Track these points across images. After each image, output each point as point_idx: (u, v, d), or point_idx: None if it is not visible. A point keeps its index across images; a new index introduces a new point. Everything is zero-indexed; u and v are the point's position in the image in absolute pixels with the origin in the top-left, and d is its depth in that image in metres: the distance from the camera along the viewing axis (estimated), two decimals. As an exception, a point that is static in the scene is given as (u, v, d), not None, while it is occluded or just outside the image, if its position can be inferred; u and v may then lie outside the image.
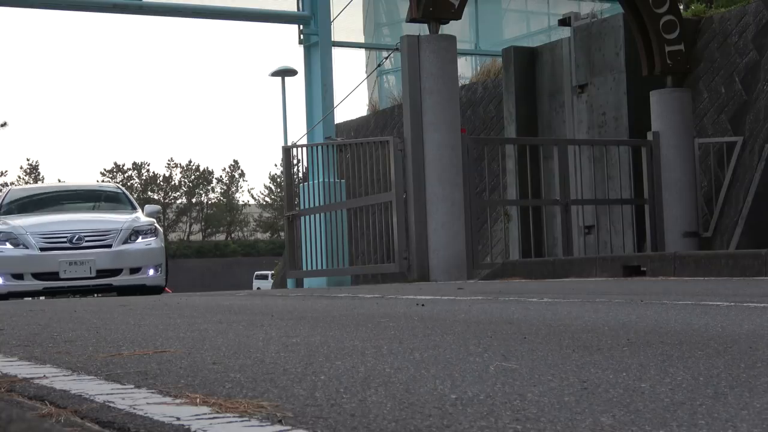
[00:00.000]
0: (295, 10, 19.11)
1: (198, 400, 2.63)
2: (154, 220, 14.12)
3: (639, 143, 15.95)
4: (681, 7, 17.26)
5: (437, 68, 13.78)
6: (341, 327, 4.72)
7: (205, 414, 2.44)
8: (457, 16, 14.10)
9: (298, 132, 45.55)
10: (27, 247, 12.91)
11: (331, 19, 19.18)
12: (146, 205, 14.75)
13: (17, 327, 5.44)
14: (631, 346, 3.53)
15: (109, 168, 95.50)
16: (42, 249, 12.92)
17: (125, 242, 13.13)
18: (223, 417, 2.39)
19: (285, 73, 28.81)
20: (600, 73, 17.15)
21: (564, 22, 18.31)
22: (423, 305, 6.09)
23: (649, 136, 15.72)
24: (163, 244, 13.74)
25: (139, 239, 13.27)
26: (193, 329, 4.86)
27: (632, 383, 2.71)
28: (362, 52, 27.80)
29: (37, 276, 12.89)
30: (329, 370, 3.14)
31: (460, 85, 18.42)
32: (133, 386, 2.94)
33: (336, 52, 19.47)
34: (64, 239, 12.99)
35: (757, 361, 3.09)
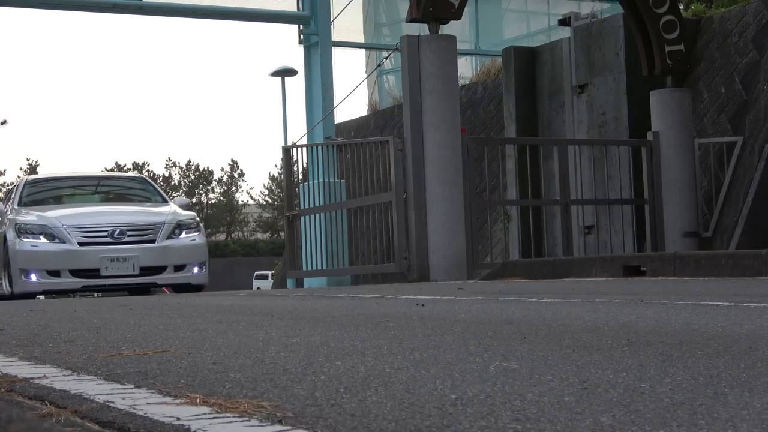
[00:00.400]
0: (295, 10, 19.11)
1: (198, 400, 2.63)
2: (195, 214, 13.42)
3: (639, 143, 15.95)
4: (681, 7, 17.26)
5: (437, 68, 13.78)
6: (341, 327, 4.72)
7: (205, 414, 2.44)
8: (457, 16, 14.10)
9: (298, 132, 45.57)
10: (64, 242, 12.02)
11: (331, 19, 19.18)
12: (175, 198, 13.87)
13: (17, 327, 5.44)
14: (631, 346, 3.53)
15: (109, 168, 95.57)
16: (81, 244, 12.04)
17: (169, 237, 12.34)
18: (223, 417, 2.39)
19: (285, 73, 28.82)
20: (600, 73, 17.15)
21: (564, 22, 18.31)
22: (423, 305, 6.09)
23: (649, 136, 15.72)
24: (205, 240, 12.99)
25: (183, 234, 12.50)
26: (193, 329, 4.86)
27: (632, 383, 2.71)
28: (362, 52, 27.80)
29: (75, 273, 12.03)
30: (329, 370, 3.14)
31: (460, 85, 18.42)
32: (133, 386, 2.94)
33: (336, 52, 19.48)
34: (105, 233, 12.15)
35: (757, 361, 3.09)
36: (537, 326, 4.40)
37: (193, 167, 78.47)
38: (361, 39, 25.30)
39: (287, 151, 17.13)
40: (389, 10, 28.36)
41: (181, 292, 12.43)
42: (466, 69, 26.20)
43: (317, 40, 18.69)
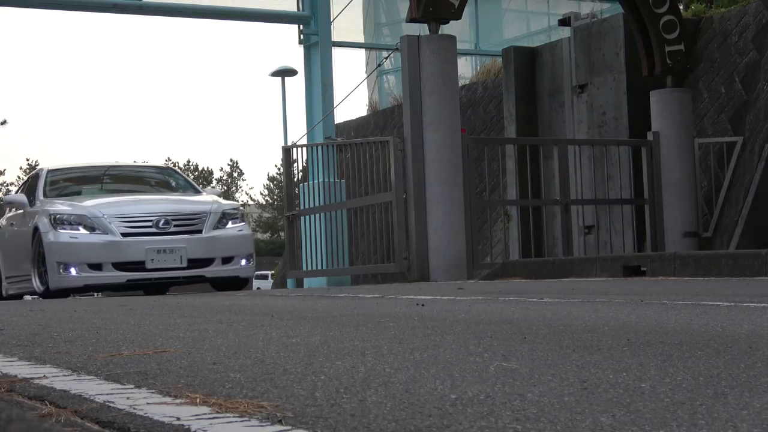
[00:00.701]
0: (295, 10, 19.11)
1: (198, 400, 2.63)
2: (238, 204, 12.72)
3: (639, 143, 15.95)
4: (681, 7, 17.26)
5: (437, 68, 13.78)
6: (341, 327, 4.72)
7: (205, 414, 2.44)
8: (457, 16, 14.10)
9: (298, 132, 45.57)
10: (106, 233, 11.16)
11: (331, 19, 19.18)
12: (206, 189, 13.05)
13: (17, 327, 5.44)
14: (631, 346, 3.53)
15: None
16: (124, 235, 11.20)
17: (215, 227, 11.51)
18: (223, 417, 2.39)
19: (285, 73, 28.80)
20: (600, 73, 17.15)
21: (564, 22, 18.31)
22: (423, 305, 6.09)
23: (649, 136, 15.72)
24: (251, 231, 12.26)
25: (229, 224, 11.66)
26: (193, 329, 4.86)
27: (632, 383, 2.71)
28: (362, 52, 27.80)
29: (118, 266, 11.19)
30: (329, 370, 3.14)
31: (460, 85, 18.42)
32: (133, 386, 2.94)
33: (336, 52, 19.48)
34: (149, 223, 11.29)
35: (757, 361, 3.09)
36: (537, 326, 4.40)
37: (192, 167, 78.50)
38: (361, 39, 25.29)
39: (287, 151, 17.13)
40: (389, 10, 28.35)
41: (226, 287, 11.79)
42: (466, 69, 26.19)
43: (317, 40, 18.69)
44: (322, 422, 2.29)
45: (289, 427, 2.25)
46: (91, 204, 11.62)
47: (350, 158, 15.76)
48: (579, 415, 2.28)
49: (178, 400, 2.65)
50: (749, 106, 15.76)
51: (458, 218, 13.81)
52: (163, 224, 11.28)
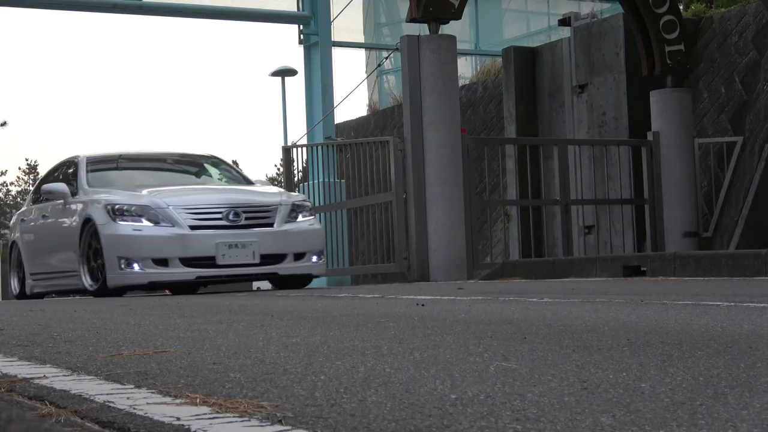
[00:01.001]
0: (295, 10, 19.11)
1: (198, 400, 2.63)
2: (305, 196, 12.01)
3: (639, 143, 15.95)
4: (681, 7, 17.26)
5: (437, 68, 13.78)
6: (341, 327, 4.72)
7: (205, 414, 2.44)
8: (457, 16, 14.10)
9: (298, 132, 45.54)
10: (172, 225, 10.22)
11: (331, 19, 19.19)
12: (256, 180, 12.31)
13: (17, 327, 5.44)
14: (631, 346, 3.53)
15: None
16: (192, 227, 10.24)
17: (287, 221, 10.63)
18: (223, 417, 2.39)
19: (285, 73, 28.78)
20: (600, 73, 17.15)
21: (564, 22, 18.31)
22: (423, 305, 6.09)
23: (649, 136, 15.72)
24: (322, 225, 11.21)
25: (300, 217, 10.79)
26: (193, 329, 4.86)
27: (632, 383, 2.71)
28: (362, 52, 27.79)
29: (186, 262, 10.23)
30: (329, 370, 3.14)
31: (460, 85, 18.42)
32: (133, 386, 2.94)
33: (336, 52, 19.49)
34: (219, 215, 10.36)
35: (757, 361, 3.09)
36: (537, 326, 4.40)
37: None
38: (361, 39, 25.29)
39: (287, 151, 17.13)
40: (389, 10, 28.35)
41: (289, 285, 10.92)
42: (466, 69, 26.19)
43: (317, 40, 18.69)
44: (322, 422, 2.29)
45: (289, 427, 2.25)
46: (153, 193, 10.67)
47: (350, 158, 15.76)
48: (579, 415, 2.28)
49: (178, 400, 2.65)
50: (749, 106, 15.76)
51: (458, 218, 13.81)
52: (233, 216, 10.37)
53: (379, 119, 25.47)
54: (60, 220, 11.35)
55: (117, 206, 10.38)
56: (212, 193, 11.02)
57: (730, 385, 2.63)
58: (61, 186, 11.41)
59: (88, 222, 10.57)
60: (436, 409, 2.40)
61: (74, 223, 10.86)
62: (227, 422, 2.32)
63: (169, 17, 20.15)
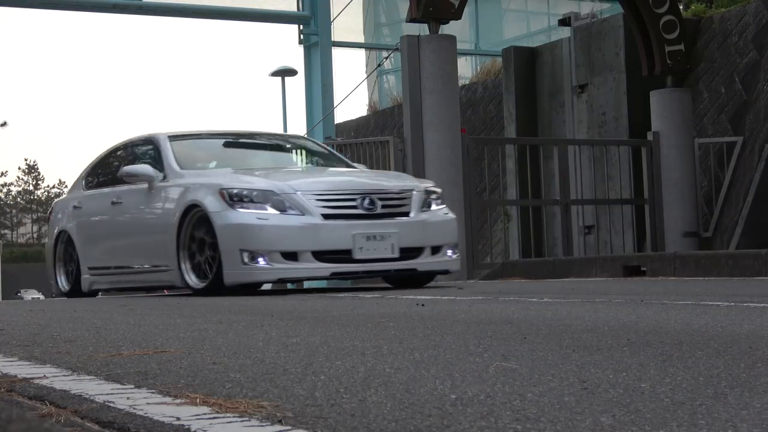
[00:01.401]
0: (295, 10, 19.12)
1: (198, 400, 2.63)
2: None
3: (639, 143, 15.95)
4: (681, 7, 17.27)
5: (437, 68, 13.78)
6: (341, 327, 4.72)
7: (205, 414, 2.44)
8: (457, 16, 14.10)
9: (298, 132, 45.58)
10: (302, 213, 8.88)
11: (331, 19, 19.20)
12: (357, 164, 11.13)
13: (17, 327, 5.44)
14: (631, 346, 3.53)
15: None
16: (325, 216, 8.92)
17: (422, 210, 9.40)
18: (223, 417, 2.39)
19: (285, 73, 28.81)
20: (600, 73, 17.15)
21: (564, 22, 18.32)
22: (423, 305, 6.09)
23: (649, 136, 15.72)
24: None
25: (433, 206, 9.56)
26: (193, 329, 4.86)
27: (632, 383, 2.71)
28: (362, 52, 27.82)
29: (319, 256, 8.88)
30: (329, 370, 3.14)
31: (460, 85, 18.42)
32: (133, 386, 2.94)
33: (336, 52, 19.50)
34: (353, 203, 9.06)
35: (757, 361, 3.09)
36: (537, 326, 4.40)
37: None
38: (361, 39, 25.31)
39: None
40: (389, 10, 28.37)
41: (406, 284, 9.73)
42: (466, 69, 26.21)
43: (317, 40, 18.70)
44: (322, 422, 2.29)
45: (289, 427, 2.25)
46: (273, 176, 9.34)
47: (350, 158, 15.76)
48: (579, 415, 2.28)
49: (178, 400, 2.65)
50: (749, 106, 15.77)
51: (458, 218, 13.80)
52: (368, 204, 9.07)
53: (379, 119, 25.48)
54: (144, 207, 9.94)
55: (235, 191, 8.93)
56: (341, 176, 9.80)
57: (730, 385, 2.64)
58: (147, 168, 9.93)
59: (191, 209, 9.17)
60: (436, 409, 2.40)
61: (169, 211, 9.46)
62: (227, 422, 2.32)
63: (169, 17, 20.15)
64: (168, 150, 10.03)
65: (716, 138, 15.99)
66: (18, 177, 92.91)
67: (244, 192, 8.93)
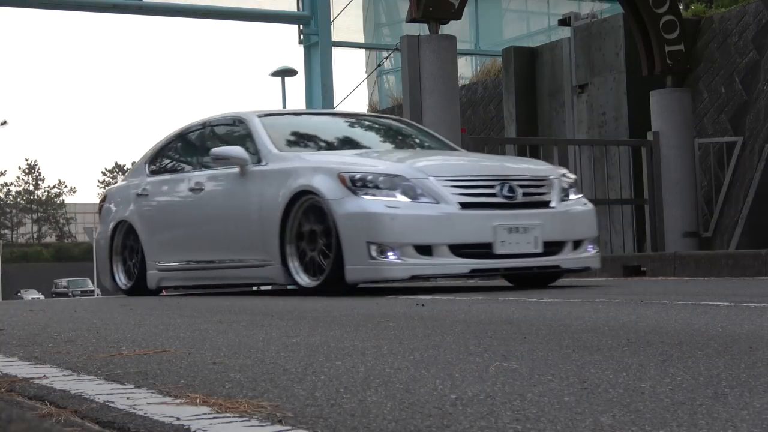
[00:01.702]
0: (295, 10, 19.13)
1: (198, 400, 2.63)
2: None
3: (639, 143, 15.95)
4: (681, 7, 17.27)
5: (437, 68, 13.78)
6: (341, 327, 4.72)
7: (205, 414, 2.44)
8: (457, 16, 14.10)
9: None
10: (436, 201, 7.80)
11: (331, 19, 19.20)
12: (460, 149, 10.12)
13: (17, 327, 5.44)
14: (631, 346, 3.53)
15: (109, 168, 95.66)
16: (462, 205, 7.85)
17: (562, 199, 8.41)
18: (223, 417, 2.39)
19: (285, 73, 28.83)
20: (600, 73, 17.16)
21: (564, 22, 18.33)
22: (423, 305, 6.09)
23: (649, 136, 15.72)
24: None
25: (572, 195, 8.56)
26: (193, 329, 4.86)
27: (632, 383, 2.71)
28: (362, 52, 27.82)
29: (456, 250, 7.81)
30: (329, 370, 3.14)
31: (460, 85, 18.42)
32: (133, 386, 2.94)
33: (336, 52, 19.52)
34: (491, 189, 8.00)
35: (757, 361, 3.09)
36: (537, 326, 4.40)
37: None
38: (361, 39, 25.32)
39: (287, 151, 17.08)
40: (389, 10, 28.37)
41: (531, 284, 8.82)
42: (466, 69, 26.22)
43: (317, 40, 18.71)
44: (322, 422, 2.29)
45: (289, 427, 2.25)
46: (400, 159, 8.31)
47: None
48: (579, 415, 2.28)
49: (178, 400, 2.65)
50: (749, 106, 15.77)
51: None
52: (508, 191, 8.04)
53: (379, 119, 25.44)
54: (235, 194, 8.88)
55: (358, 175, 7.85)
56: (472, 160, 8.78)
57: (730, 385, 2.64)
58: (239, 150, 8.84)
59: (300, 197, 8.12)
60: (436, 409, 2.40)
61: (270, 199, 8.40)
62: (227, 422, 2.33)
63: (169, 17, 20.16)
64: (261, 130, 8.97)
65: (716, 138, 15.99)
66: (18, 177, 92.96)
67: (369, 176, 7.84)
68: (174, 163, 10.15)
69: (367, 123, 10.27)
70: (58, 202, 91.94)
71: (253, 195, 8.62)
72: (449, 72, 13.97)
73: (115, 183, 11.46)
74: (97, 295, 43.03)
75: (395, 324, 4.77)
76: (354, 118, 10.25)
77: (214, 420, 2.35)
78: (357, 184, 7.82)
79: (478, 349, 3.57)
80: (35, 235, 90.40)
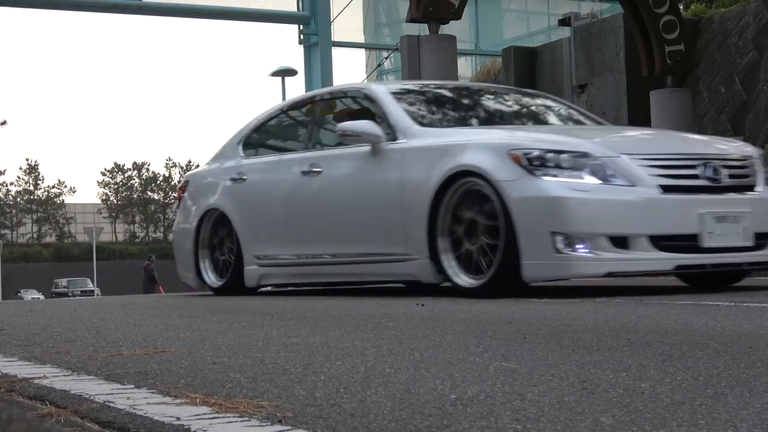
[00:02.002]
0: (295, 10, 19.14)
1: (198, 400, 2.63)
2: None
3: (639, 143, 15.95)
4: (681, 7, 17.27)
5: (437, 68, 13.77)
6: (341, 327, 4.72)
7: (205, 414, 2.44)
8: (457, 16, 14.10)
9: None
10: (632, 184, 6.50)
11: (331, 19, 19.21)
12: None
13: (17, 327, 5.44)
14: (631, 346, 3.53)
15: (109, 168, 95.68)
16: (663, 189, 6.55)
17: (765, 183, 7.06)
18: (223, 417, 2.39)
19: (285, 73, 28.82)
20: (600, 73, 17.15)
21: (564, 22, 18.33)
22: (423, 305, 6.09)
23: (649, 136, 15.73)
24: None
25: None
26: (193, 329, 4.86)
27: (632, 383, 2.71)
28: (362, 52, 27.82)
29: (658, 242, 6.50)
30: (329, 370, 3.14)
31: (460, 85, 18.40)
32: (133, 386, 2.94)
33: (336, 52, 19.53)
34: (693, 170, 6.71)
35: (757, 361, 3.09)
36: (537, 326, 4.40)
37: (193, 167, 78.67)
38: (361, 39, 25.32)
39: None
40: (389, 10, 28.37)
41: (713, 282, 7.56)
42: (466, 69, 26.22)
43: (317, 40, 18.71)
44: (322, 422, 2.29)
45: (289, 427, 2.25)
46: (580, 135, 7.02)
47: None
48: (579, 415, 2.28)
49: (178, 400, 2.65)
50: (749, 106, 15.77)
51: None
52: (712, 173, 6.75)
53: (379, 119, 25.45)
54: (366, 176, 7.67)
55: (536, 153, 6.56)
56: (666, 135, 7.76)
57: (730, 385, 2.64)
58: (370, 125, 7.59)
59: (456, 179, 6.87)
60: (436, 409, 2.40)
61: (413, 181, 7.17)
62: (227, 422, 2.33)
63: (169, 17, 20.17)
64: (392, 103, 7.77)
65: (716, 138, 16.01)
66: (18, 177, 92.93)
67: (548, 155, 6.54)
68: (279, 141, 9.06)
69: (510, 97, 8.80)
70: (58, 202, 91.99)
71: (391, 177, 7.40)
72: (449, 72, 13.96)
73: (196, 168, 9.75)
74: (97, 295, 43.02)
75: (395, 324, 4.77)
76: (493, 93, 8.79)
77: (214, 420, 2.35)
78: (534, 163, 6.53)
79: (478, 349, 3.57)
80: (35, 235, 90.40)
